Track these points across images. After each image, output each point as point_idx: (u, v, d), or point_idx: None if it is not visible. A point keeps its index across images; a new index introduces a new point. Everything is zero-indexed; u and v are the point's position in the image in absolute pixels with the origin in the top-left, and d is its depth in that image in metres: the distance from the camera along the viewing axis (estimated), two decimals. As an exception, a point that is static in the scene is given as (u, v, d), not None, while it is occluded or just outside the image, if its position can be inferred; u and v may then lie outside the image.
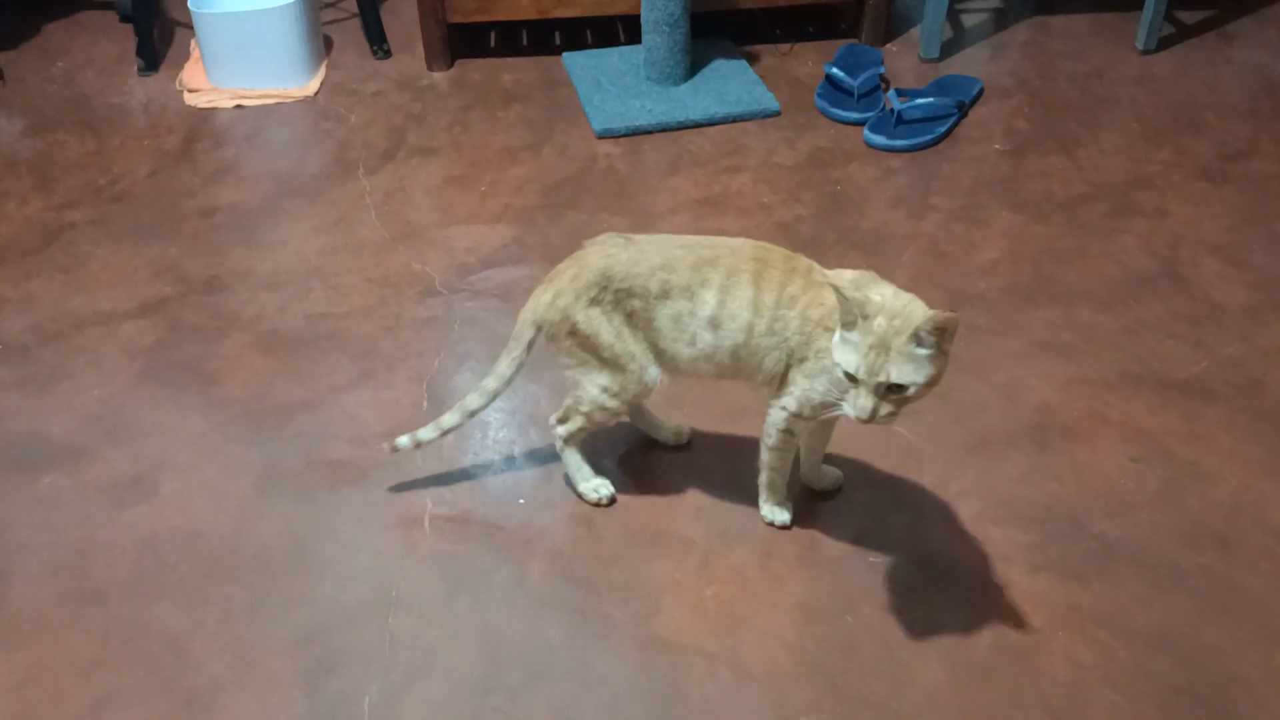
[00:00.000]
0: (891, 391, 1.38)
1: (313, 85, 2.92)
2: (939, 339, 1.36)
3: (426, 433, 1.74)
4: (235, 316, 2.17)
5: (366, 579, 1.66)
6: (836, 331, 1.41)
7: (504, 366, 1.68)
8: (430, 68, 2.99)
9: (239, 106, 2.85)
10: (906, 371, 1.36)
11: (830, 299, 1.47)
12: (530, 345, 1.66)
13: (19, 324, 2.16)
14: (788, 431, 1.61)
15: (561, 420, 1.74)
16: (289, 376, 2.02)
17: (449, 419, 1.73)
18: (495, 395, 1.70)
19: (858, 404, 1.39)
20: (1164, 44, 3.02)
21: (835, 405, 1.45)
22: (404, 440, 1.74)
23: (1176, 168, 2.55)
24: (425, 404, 1.95)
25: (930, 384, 1.38)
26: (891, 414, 1.40)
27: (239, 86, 2.89)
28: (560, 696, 1.50)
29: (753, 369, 1.58)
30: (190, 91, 2.90)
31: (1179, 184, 2.49)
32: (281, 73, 2.89)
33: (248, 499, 1.79)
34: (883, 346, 1.35)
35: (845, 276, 1.49)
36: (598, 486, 1.77)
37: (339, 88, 2.93)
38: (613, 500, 1.78)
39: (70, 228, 2.42)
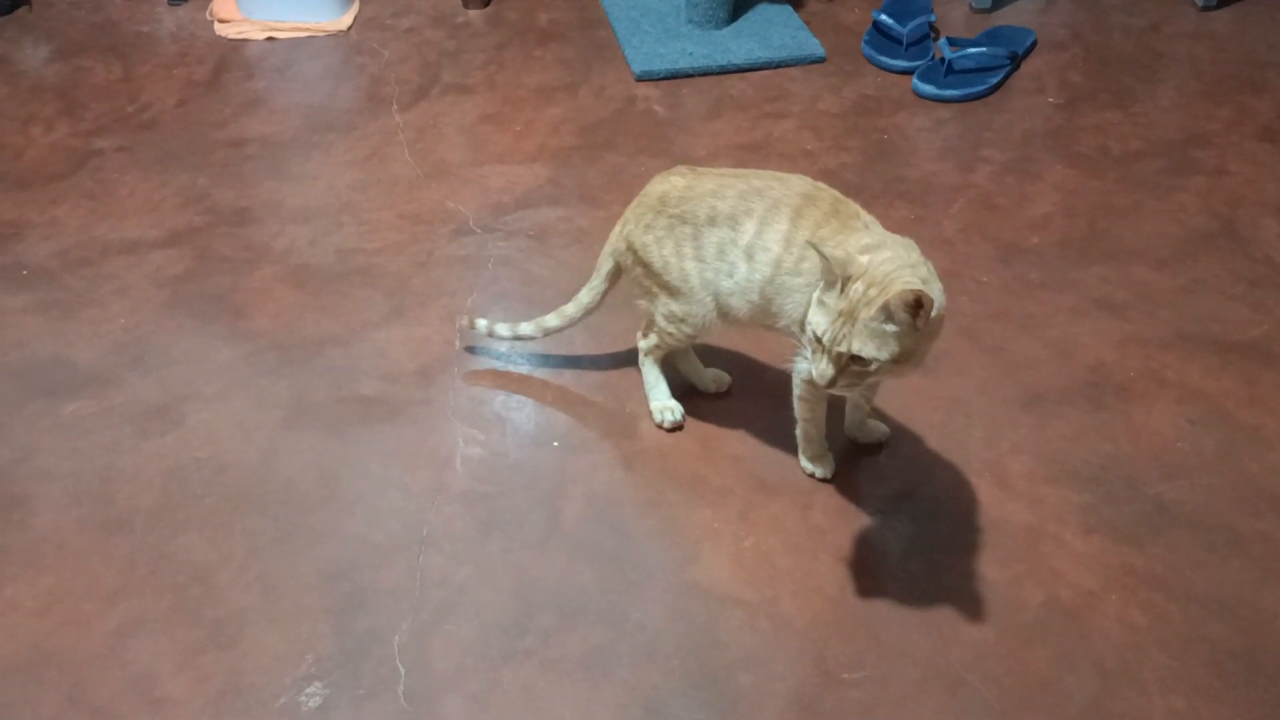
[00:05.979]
0: (854, 363, 1.31)
1: (346, 19, 2.84)
2: (911, 316, 1.27)
3: (502, 329, 1.79)
4: (265, 249, 2.12)
5: (396, 516, 1.62)
6: (817, 289, 1.35)
7: (583, 295, 1.73)
8: (466, 5, 2.91)
9: (270, 39, 2.79)
10: (868, 346, 1.29)
11: (859, 243, 1.41)
12: (610, 276, 1.70)
13: (45, 249, 2.11)
14: (811, 383, 1.55)
15: (643, 334, 1.73)
16: (319, 310, 1.97)
17: (525, 328, 1.78)
18: (573, 321, 1.75)
19: (817, 368, 1.34)
20: (1223, 1, 2.92)
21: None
22: (482, 323, 1.81)
23: (1236, 126, 2.46)
24: (458, 342, 1.89)
25: (897, 361, 1.30)
26: (851, 385, 1.35)
27: (271, 18, 2.82)
28: (594, 640, 1.46)
29: (777, 310, 1.53)
30: (221, 22, 2.83)
31: (1239, 143, 2.40)
32: (314, 6, 2.82)
33: (276, 432, 1.75)
34: (850, 315, 1.29)
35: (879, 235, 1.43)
36: (664, 409, 1.74)
37: (372, 22, 2.85)
38: (676, 428, 1.74)
39: (97, 154, 2.37)
